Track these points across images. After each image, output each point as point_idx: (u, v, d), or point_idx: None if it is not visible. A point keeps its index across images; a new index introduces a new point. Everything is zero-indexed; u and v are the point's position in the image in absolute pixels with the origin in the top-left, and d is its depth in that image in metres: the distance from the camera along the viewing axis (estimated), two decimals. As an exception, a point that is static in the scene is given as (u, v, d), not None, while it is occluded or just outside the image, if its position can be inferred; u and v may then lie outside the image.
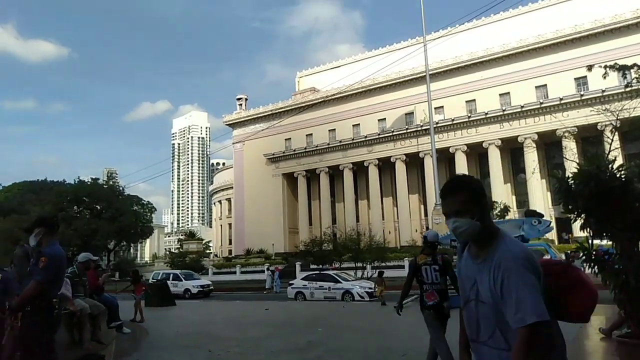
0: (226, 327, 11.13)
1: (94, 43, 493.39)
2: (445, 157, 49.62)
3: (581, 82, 43.05)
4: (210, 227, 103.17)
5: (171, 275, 29.65)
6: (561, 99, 42.45)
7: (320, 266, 34.20)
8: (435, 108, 43.67)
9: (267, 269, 36.36)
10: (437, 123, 45.52)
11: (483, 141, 47.17)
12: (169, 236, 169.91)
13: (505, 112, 45.62)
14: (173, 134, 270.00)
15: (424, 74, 38.85)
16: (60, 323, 4.95)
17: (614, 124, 22.66)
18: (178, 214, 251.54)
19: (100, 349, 7.76)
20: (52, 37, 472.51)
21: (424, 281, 5.66)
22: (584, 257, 5.77)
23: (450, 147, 48.55)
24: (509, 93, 47.69)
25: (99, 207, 53.68)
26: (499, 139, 46.41)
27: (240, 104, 68.13)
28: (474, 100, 49.49)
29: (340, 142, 55.40)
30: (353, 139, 54.68)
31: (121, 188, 59.56)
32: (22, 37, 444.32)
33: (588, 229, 5.51)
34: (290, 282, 23.74)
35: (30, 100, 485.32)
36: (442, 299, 5.51)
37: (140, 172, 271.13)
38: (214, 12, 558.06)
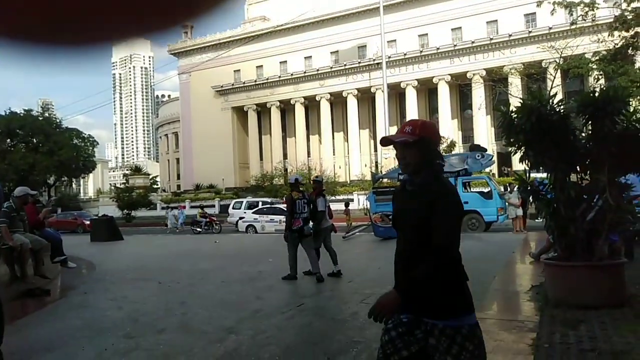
0: (175, 260, 11.16)
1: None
2: (396, 93, 49.87)
3: (530, 18, 43.62)
4: (157, 161, 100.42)
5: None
6: (510, 35, 43.02)
7: (271, 200, 34.52)
8: (388, 42, 43.14)
9: (170, 208, 34.04)
10: (389, 57, 45.20)
11: (433, 77, 47.54)
12: (113, 171, 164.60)
13: (456, 48, 45.83)
14: (113, 63, 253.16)
15: (378, 5, 37.94)
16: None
17: (557, 61, 23.38)
18: (122, 148, 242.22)
19: (45, 283, 7.61)
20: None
21: (295, 211, 7.75)
22: (521, 189, 6.12)
23: (401, 82, 48.65)
24: (460, 28, 47.70)
25: (35, 141, 50.65)
26: (449, 74, 46.90)
27: (186, 32, 64.19)
28: (427, 34, 49.23)
29: (292, 75, 54.12)
30: (305, 72, 53.51)
31: (58, 120, 56.15)
32: None
33: (526, 162, 5.78)
34: (241, 215, 23.90)
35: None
36: (304, 224, 7.74)
37: (79, 103, 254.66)
38: None
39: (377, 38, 41.93)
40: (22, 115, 53.28)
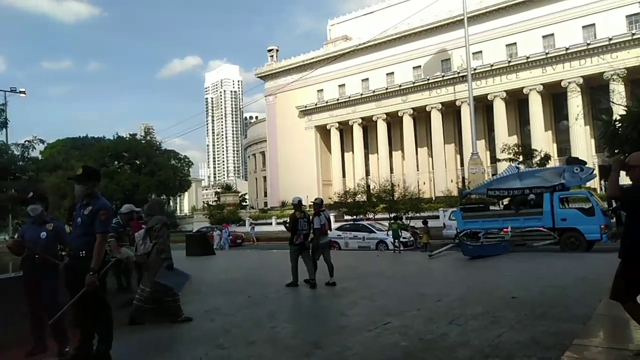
0: (263, 274, 11.50)
1: (122, 1, 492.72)
2: (483, 105, 48.06)
3: (633, 19, 40.16)
4: (246, 180, 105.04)
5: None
6: (610, 39, 39.80)
7: (354, 217, 34.54)
8: (473, 53, 41.95)
9: (215, 228, 33.16)
10: (474, 69, 43.82)
11: (523, 87, 45.23)
12: (206, 189, 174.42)
13: (548, 56, 43.31)
14: (206, 88, 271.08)
15: (462, 17, 37.07)
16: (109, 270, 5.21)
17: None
18: (214, 167, 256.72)
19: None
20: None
21: (297, 227, 9.22)
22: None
23: (488, 94, 46.84)
24: (553, 35, 45.07)
25: (138, 162, 55.30)
26: (541, 84, 44.35)
27: (272, 56, 67.26)
28: (515, 43, 47.09)
29: (374, 92, 54.30)
30: (387, 89, 53.46)
31: (158, 143, 60.95)
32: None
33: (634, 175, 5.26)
34: (325, 232, 24.13)
35: (68, 60, 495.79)
36: (304, 239, 9.24)
37: (176, 127, 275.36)
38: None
39: (462, 50, 40.90)
40: (127, 139, 58.65)
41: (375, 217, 34.27)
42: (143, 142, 59.86)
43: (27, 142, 27.47)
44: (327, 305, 7.23)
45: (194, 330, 5.85)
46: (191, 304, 7.93)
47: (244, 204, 69.32)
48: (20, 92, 37.63)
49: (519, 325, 5.34)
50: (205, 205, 74.23)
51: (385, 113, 54.09)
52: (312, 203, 10.24)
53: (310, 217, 9.48)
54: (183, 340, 5.31)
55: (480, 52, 47.59)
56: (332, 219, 42.21)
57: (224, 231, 29.68)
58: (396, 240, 17.74)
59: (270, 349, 4.91)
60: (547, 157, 32.91)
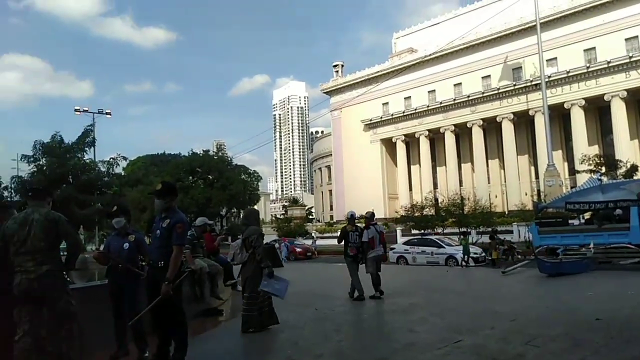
0: (330, 287, 11.52)
1: (196, 24, 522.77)
2: (558, 114, 45.49)
3: None
4: (312, 193, 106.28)
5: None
6: None
7: (422, 231, 33.79)
8: (547, 60, 40.02)
9: (275, 241, 32.31)
10: (549, 77, 41.74)
11: (605, 94, 42.28)
12: (274, 203, 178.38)
13: (632, 59, 40.26)
14: (274, 105, 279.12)
15: (534, 23, 35.51)
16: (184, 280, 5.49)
17: None
18: (282, 181, 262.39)
19: (219, 304, 8.52)
20: (162, 23, 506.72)
21: (349, 240, 9.50)
22: None
23: (564, 102, 44.27)
24: (637, 37, 41.91)
25: (211, 177, 57.77)
26: (625, 90, 41.26)
27: (337, 71, 68.05)
28: (594, 48, 44.23)
29: (441, 103, 53.16)
30: (454, 100, 52.13)
31: (229, 159, 63.41)
32: (137, 26, 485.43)
33: None
34: (392, 246, 23.80)
35: (147, 82, 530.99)
36: (357, 252, 9.48)
37: (246, 143, 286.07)
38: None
39: (534, 58, 39.14)
40: (201, 155, 61.56)
41: (444, 231, 33.29)
42: (215, 157, 62.48)
43: (111, 160, 29.48)
44: (394, 321, 7.11)
45: (263, 342, 5.98)
46: (260, 315, 8.11)
47: (311, 217, 70.09)
48: (106, 113, 40.81)
49: (605, 349, 4.95)
50: (273, 218, 75.90)
51: (453, 124, 52.70)
52: (363, 216, 10.34)
53: (356, 230, 9.69)
54: (253, 352, 5.44)
55: (555, 58, 45.21)
56: (398, 233, 41.39)
57: (283, 244, 30.23)
58: (465, 256, 17.41)
59: (337, 363, 4.91)
60: (634, 168, 30.42)
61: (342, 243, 9.73)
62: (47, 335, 4.02)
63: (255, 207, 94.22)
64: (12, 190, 28.05)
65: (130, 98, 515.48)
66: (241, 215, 7.54)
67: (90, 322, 4.90)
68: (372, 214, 10.39)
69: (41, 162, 26.88)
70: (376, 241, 9.64)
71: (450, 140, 53.53)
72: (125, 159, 33.08)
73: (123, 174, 47.63)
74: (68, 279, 4.50)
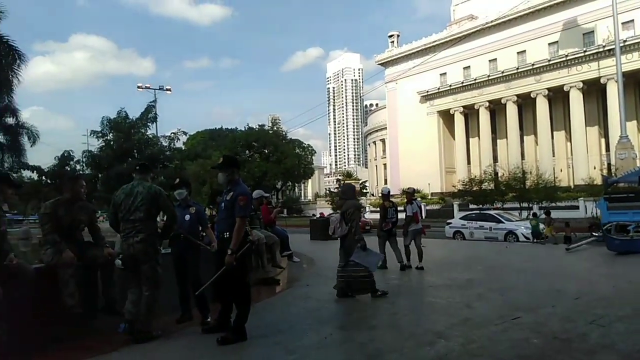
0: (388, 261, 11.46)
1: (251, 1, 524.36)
2: (634, 82, 42.18)
3: None
4: (366, 167, 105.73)
5: None
6: None
7: (480, 206, 32.90)
8: (622, 23, 36.95)
9: (330, 215, 33.50)
10: (624, 41, 38.56)
11: (690, 58, 38.62)
12: (328, 177, 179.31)
13: None
14: (327, 78, 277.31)
15: (609, -18, 32.68)
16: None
17: None
18: (335, 155, 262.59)
19: (276, 274, 8.78)
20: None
21: (386, 216, 9.87)
22: None
23: (641, 68, 40.91)
24: None
25: (266, 151, 58.88)
26: None
27: (392, 42, 66.35)
28: (679, 7, 40.31)
29: (503, 72, 50.67)
30: (518, 68, 49.49)
31: (284, 133, 64.14)
32: (194, 4, 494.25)
33: None
34: (448, 221, 23.38)
35: (205, 58, 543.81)
36: (392, 227, 9.85)
37: (299, 117, 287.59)
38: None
39: (607, 21, 36.26)
40: (256, 130, 62.73)
41: (504, 206, 32.22)
42: (270, 132, 63.46)
43: (172, 134, 30.64)
44: (451, 296, 7.03)
45: (317, 312, 6.12)
46: (316, 285, 8.30)
47: (364, 191, 69.96)
48: (167, 89, 42.21)
49: (679, 332, 4.65)
50: (327, 192, 76.40)
51: (516, 95, 50.18)
52: (404, 191, 11.15)
53: (393, 206, 10.09)
54: (308, 320, 5.58)
55: (632, 21, 41.63)
56: (455, 207, 40.98)
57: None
58: (534, 239, 17.39)
59: (391, 334, 4.94)
60: None
61: (379, 218, 10.27)
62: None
63: (310, 180, 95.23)
64: (84, 164, 29.86)
65: (189, 74, 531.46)
66: (339, 191, 8.37)
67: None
68: (414, 190, 11.17)
69: (109, 137, 28.45)
70: (419, 215, 10.30)
71: (512, 111, 51.16)
72: (185, 133, 34.20)
73: (183, 148, 49.47)
74: (160, 248, 4.95)
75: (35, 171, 28.76)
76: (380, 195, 18.61)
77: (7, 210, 4.57)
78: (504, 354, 4.20)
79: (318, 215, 31.37)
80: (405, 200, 10.55)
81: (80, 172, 27.93)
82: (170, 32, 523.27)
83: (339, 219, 6.98)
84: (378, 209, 10.42)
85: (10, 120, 26.57)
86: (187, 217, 5.54)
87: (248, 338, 4.63)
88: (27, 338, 4.20)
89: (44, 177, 29.01)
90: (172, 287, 5.46)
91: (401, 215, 10.28)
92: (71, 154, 29.90)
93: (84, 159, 29.99)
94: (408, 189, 11.13)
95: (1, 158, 26.68)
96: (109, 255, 4.85)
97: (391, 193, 10.73)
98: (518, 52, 51.28)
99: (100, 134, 28.52)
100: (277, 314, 6.01)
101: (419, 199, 11.37)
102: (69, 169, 28.99)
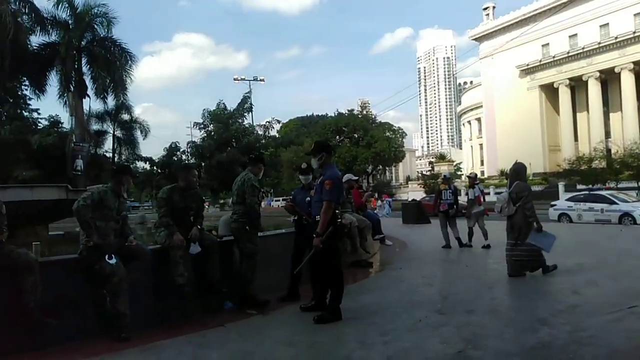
0: (476, 244, 11.02)
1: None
2: None
3: None
4: (460, 148, 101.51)
5: None
6: None
7: (590, 186, 30.21)
8: None
9: (382, 198, 34.99)
10: None
11: None
12: (419, 159, 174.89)
13: None
14: (418, 57, 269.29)
15: None
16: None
17: None
18: (427, 137, 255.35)
19: (369, 257, 8.85)
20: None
21: (442, 198, 10.76)
22: None
23: None
24: None
25: (356, 136, 58.89)
26: None
27: (487, 14, 62.59)
28: None
29: (616, 38, 45.62)
30: (634, 32, 44.23)
31: (374, 116, 63.61)
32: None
33: None
34: (552, 203, 21.78)
35: (295, 48, 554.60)
36: (449, 208, 10.61)
37: (389, 99, 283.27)
38: None
39: None
40: (346, 115, 62.87)
41: (618, 186, 29.30)
42: (360, 116, 63.25)
43: (267, 123, 32.02)
44: (556, 282, 6.59)
45: (411, 295, 6.08)
46: (409, 269, 8.24)
47: (459, 173, 67.41)
48: (260, 80, 44.03)
49: None
50: (419, 175, 74.73)
51: (633, 62, 44.94)
52: (467, 176, 11.71)
53: (449, 188, 10.89)
54: (402, 303, 5.57)
55: None
56: (560, 188, 38.48)
57: (385, 201, 31.35)
58: None
59: (491, 319, 4.77)
60: None
61: (436, 200, 11.12)
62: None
63: (401, 163, 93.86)
64: (188, 154, 32.22)
65: (280, 64, 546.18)
66: (510, 170, 8.20)
67: (263, 267, 5.54)
68: (475, 175, 12.13)
69: (209, 128, 30.38)
70: (481, 198, 10.80)
71: (628, 81, 46.02)
72: (278, 122, 35.50)
73: (277, 136, 51.22)
74: (249, 227, 5.42)
75: (147, 162, 31.66)
76: (467, 177, 18.95)
77: (127, 198, 5.09)
78: (619, 345, 3.87)
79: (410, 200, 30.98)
80: (469, 184, 11.26)
81: (186, 161, 30.17)
82: (262, 24, 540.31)
83: (507, 199, 7.13)
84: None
85: (125, 117, 29.45)
86: (308, 199, 5.77)
87: (343, 318, 4.74)
88: (146, 313, 4.68)
89: (154, 167, 31.83)
90: (270, 269, 5.75)
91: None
92: (177, 145, 32.43)
93: (188, 150, 32.34)
94: (470, 173, 12.85)
95: (119, 150, 29.69)
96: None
97: (489, 175, 10.52)
98: (635, 14, 45.73)
99: (202, 125, 30.58)
100: (371, 297, 6.07)
101: (480, 183, 11.91)
102: (176, 159, 31.48)
